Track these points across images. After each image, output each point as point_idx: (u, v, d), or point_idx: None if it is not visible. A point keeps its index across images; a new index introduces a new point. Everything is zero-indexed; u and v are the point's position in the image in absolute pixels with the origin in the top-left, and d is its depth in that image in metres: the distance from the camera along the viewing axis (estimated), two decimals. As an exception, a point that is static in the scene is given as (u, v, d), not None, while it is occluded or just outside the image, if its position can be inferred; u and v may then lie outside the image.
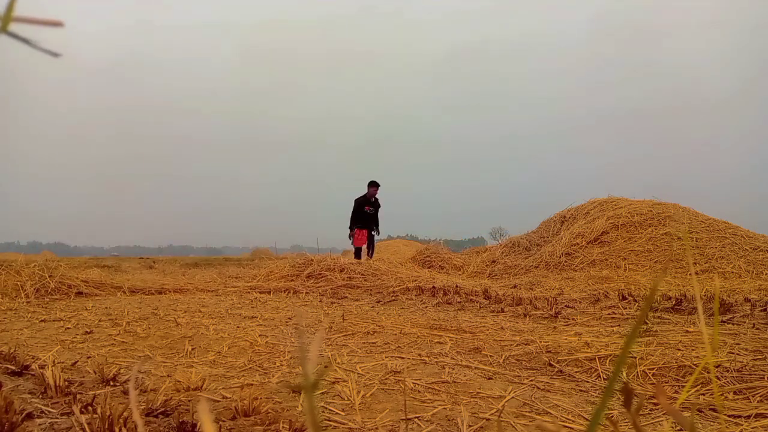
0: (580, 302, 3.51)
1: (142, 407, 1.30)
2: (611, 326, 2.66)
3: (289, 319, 3.06)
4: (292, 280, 5.87)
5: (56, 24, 0.26)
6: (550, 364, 1.93)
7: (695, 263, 5.47)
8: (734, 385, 1.59)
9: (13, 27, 0.26)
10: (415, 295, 4.22)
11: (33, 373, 1.59)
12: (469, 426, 1.28)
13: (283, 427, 1.24)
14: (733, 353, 1.88)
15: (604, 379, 1.75)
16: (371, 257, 7.29)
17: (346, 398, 1.50)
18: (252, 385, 1.63)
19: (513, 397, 1.52)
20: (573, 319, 2.93)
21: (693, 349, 1.97)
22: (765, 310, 2.73)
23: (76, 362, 1.88)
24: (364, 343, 2.35)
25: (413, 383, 1.65)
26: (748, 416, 1.35)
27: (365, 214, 7.56)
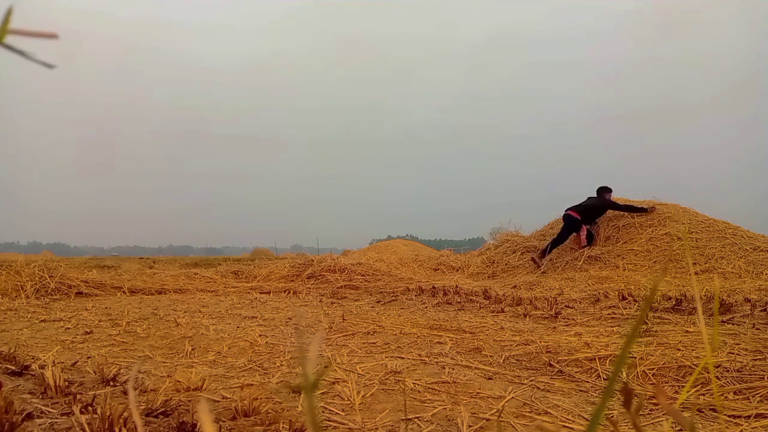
0: (580, 302, 3.51)
1: (142, 407, 1.30)
2: (611, 326, 2.66)
3: (289, 319, 3.06)
4: (292, 281, 5.87)
5: (51, 36, 0.27)
6: (550, 364, 1.93)
7: (695, 263, 5.47)
8: (734, 385, 1.59)
9: (9, 39, 0.26)
10: (415, 296, 4.22)
11: (33, 373, 1.59)
12: (469, 426, 1.28)
13: (283, 427, 1.24)
14: (733, 353, 1.88)
15: (604, 379, 1.75)
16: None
17: (346, 398, 1.50)
18: (252, 385, 1.63)
19: (513, 397, 1.52)
20: (573, 319, 2.93)
21: (693, 349, 1.97)
22: (765, 310, 2.73)
23: (76, 362, 1.88)
24: (364, 343, 2.35)
25: (413, 383, 1.65)
26: (748, 416, 1.35)
27: None
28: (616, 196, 7.08)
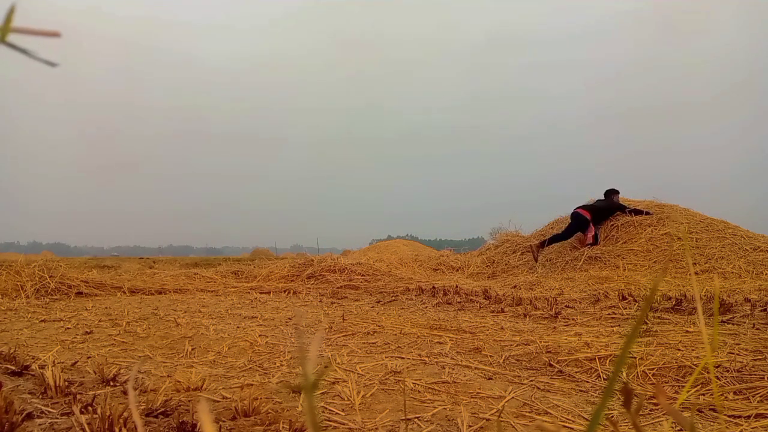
0: (580, 302, 3.51)
1: (142, 407, 1.30)
2: (611, 326, 2.66)
3: (289, 319, 3.06)
4: (292, 281, 5.87)
5: (54, 35, 0.27)
6: (550, 365, 1.93)
7: (695, 263, 5.47)
8: (734, 385, 1.59)
9: (12, 38, 0.26)
10: (415, 296, 4.22)
11: (33, 373, 1.59)
12: (469, 426, 1.28)
13: (283, 427, 1.24)
14: (733, 353, 1.88)
15: (604, 379, 1.75)
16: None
17: (346, 398, 1.50)
18: (252, 385, 1.63)
19: (513, 397, 1.52)
20: (573, 319, 2.93)
21: (693, 349, 1.97)
22: (765, 310, 2.73)
23: (76, 362, 1.88)
24: (364, 343, 2.35)
25: (413, 383, 1.65)
26: (748, 416, 1.35)
27: None
28: (625, 195, 7.13)
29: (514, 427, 1.29)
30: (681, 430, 1.32)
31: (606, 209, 6.88)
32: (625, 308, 3.11)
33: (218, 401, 1.46)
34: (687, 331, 2.33)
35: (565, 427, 1.30)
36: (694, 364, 1.77)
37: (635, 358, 1.87)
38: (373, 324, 2.80)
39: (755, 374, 1.65)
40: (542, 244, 6.69)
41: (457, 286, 4.45)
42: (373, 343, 2.35)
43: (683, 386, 1.63)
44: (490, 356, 2.07)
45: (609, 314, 2.99)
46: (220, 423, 1.26)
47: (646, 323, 2.56)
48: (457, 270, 7.42)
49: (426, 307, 3.61)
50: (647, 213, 6.71)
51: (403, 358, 2.04)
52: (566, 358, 1.97)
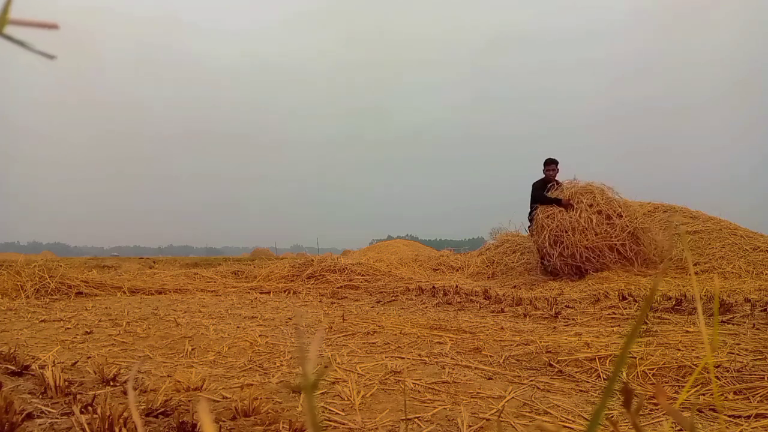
0: (580, 302, 3.51)
1: (142, 407, 1.30)
2: (611, 326, 2.66)
3: (289, 319, 3.06)
4: (292, 281, 5.87)
5: (52, 26, 0.26)
6: (550, 365, 1.93)
7: (695, 263, 5.47)
8: (734, 385, 1.59)
9: (9, 29, 0.26)
10: (415, 296, 4.22)
11: (33, 373, 1.59)
12: (469, 426, 1.28)
13: (283, 427, 1.24)
14: (733, 353, 1.88)
15: (604, 379, 1.75)
16: None
17: (346, 398, 1.50)
18: (252, 385, 1.63)
19: (513, 397, 1.52)
20: (573, 319, 2.93)
21: (693, 349, 1.97)
22: (765, 310, 2.73)
23: (76, 362, 1.88)
24: (364, 343, 2.35)
25: (413, 383, 1.65)
26: (748, 416, 1.35)
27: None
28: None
29: (514, 427, 1.29)
30: (681, 430, 1.32)
31: (532, 201, 6.13)
32: (625, 308, 3.11)
33: (218, 401, 1.46)
34: (687, 331, 2.33)
35: (565, 427, 1.30)
36: (694, 364, 1.77)
37: (635, 358, 1.87)
38: (373, 324, 2.80)
39: (755, 374, 1.65)
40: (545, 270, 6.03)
41: (457, 286, 4.45)
42: (373, 343, 2.35)
43: (683, 386, 1.63)
44: (490, 356, 2.07)
45: (609, 314, 2.99)
46: (220, 423, 1.26)
47: (646, 323, 2.56)
48: (457, 270, 7.42)
49: (426, 307, 3.61)
50: (556, 201, 5.91)
51: (403, 358, 2.04)
52: (566, 358, 1.97)
